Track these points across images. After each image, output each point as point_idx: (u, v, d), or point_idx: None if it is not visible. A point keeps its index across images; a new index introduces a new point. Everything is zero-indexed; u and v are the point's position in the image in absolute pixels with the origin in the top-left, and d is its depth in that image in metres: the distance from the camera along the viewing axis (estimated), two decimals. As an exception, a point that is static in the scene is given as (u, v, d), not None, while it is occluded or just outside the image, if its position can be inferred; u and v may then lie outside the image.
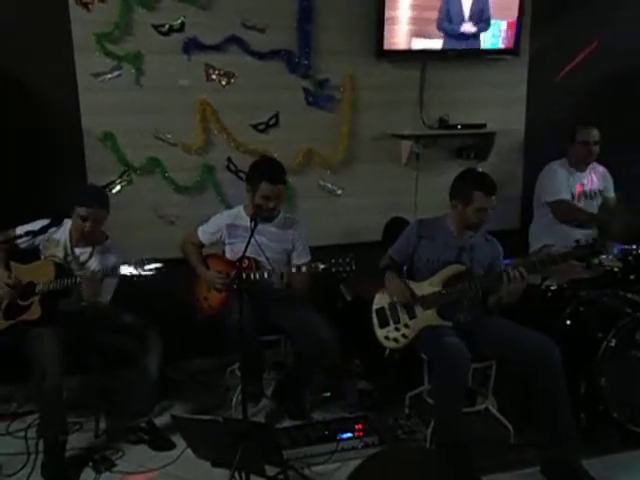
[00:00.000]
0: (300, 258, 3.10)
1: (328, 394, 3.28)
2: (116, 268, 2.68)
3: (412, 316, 2.80)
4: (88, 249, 2.88)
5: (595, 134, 3.50)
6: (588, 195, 3.61)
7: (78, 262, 2.87)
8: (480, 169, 3.73)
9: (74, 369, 2.92)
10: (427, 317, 2.77)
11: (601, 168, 3.66)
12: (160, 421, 2.99)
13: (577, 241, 2.75)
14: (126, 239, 3.09)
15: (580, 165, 3.58)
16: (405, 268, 2.96)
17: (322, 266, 2.76)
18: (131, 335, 2.87)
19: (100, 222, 2.81)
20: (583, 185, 3.59)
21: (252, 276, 2.90)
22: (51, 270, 2.76)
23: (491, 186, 2.75)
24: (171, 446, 2.86)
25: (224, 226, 3.12)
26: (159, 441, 2.90)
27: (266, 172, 2.98)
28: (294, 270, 2.88)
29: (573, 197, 3.56)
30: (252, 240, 2.65)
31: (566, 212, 3.50)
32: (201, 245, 3.20)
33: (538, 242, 3.59)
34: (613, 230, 3.32)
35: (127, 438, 2.91)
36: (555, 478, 2.57)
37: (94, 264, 2.86)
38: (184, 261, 3.22)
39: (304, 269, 2.85)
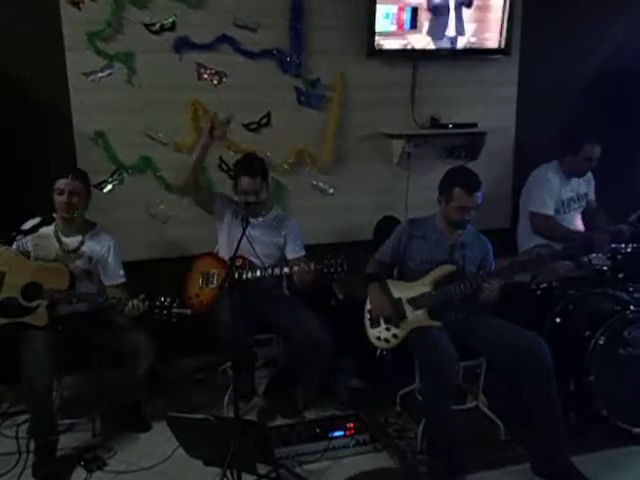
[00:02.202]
0: (294, 252, 3.11)
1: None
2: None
3: (403, 316, 2.81)
4: (78, 237, 2.87)
5: (598, 151, 3.49)
6: (577, 199, 3.63)
7: (69, 250, 2.85)
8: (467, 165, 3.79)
9: (69, 369, 2.93)
10: (417, 317, 2.78)
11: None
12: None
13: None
14: (118, 238, 3.07)
15: (573, 174, 3.58)
16: (396, 269, 2.98)
17: (315, 266, 2.76)
18: (124, 337, 2.87)
19: (76, 195, 2.79)
20: (574, 191, 3.61)
21: (245, 274, 2.90)
22: (65, 278, 2.75)
23: (473, 184, 2.74)
24: (146, 428, 2.96)
25: (232, 209, 3.10)
26: (136, 422, 2.97)
27: (242, 166, 3.04)
28: (287, 270, 2.88)
29: (563, 203, 3.57)
30: (246, 232, 2.67)
31: (546, 228, 3.51)
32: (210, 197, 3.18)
33: (527, 242, 3.60)
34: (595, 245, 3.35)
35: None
36: (545, 475, 2.60)
37: (87, 251, 2.86)
38: (177, 260, 3.22)
39: (296, 269, 2.84)
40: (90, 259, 2.87)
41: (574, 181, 3.61)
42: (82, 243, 2.87)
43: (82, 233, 2.88)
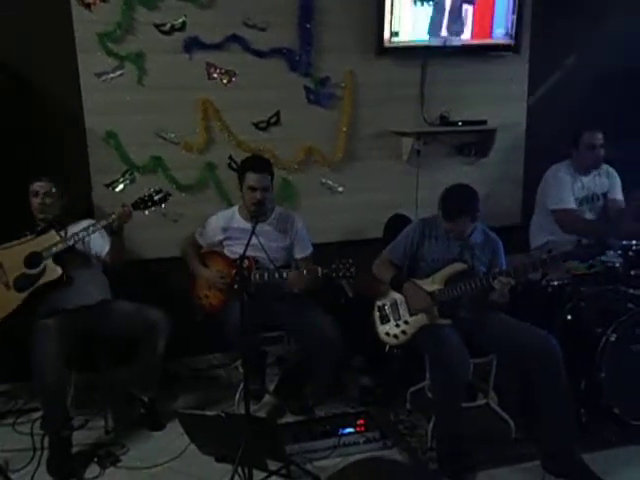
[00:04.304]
0: (302, 252, 3.12)
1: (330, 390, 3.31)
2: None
3: (412, 313, 2.82)
4: (61, 232, 2.94)
5: (600, 137, 3.44)
6: (590, 199, 3.55)
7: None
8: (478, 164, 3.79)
9: (80, 366, 2.96)
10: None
11: (605, 168, 3.58)
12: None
13: (579, 240, 2.74)
14: (129, 238, 3.11)
15: (585, 169, 3.52)
16: (406, 268, 2.98)
17: (322, 271, 2.76)
18: (139, 316, 2.94)
19: (49, 197, 2.92)
20: (587, 189, 3.54)
21: (253, 277, 2.91)
22: (54, 236, 2.83)
23: (451, 212, 2.74)
24: (160, 427, 3.00)
25: (219, 229, 3.13)
26: (151, 419, 3.00)
27: (250, 163, 3.05)
28: (293, 272, 2.90)
29: (576, 202, 3.52)
30: (253, 241, 2.67)
31: (570, 222, 3.46)
32: (199, 247, 3.22)
33: (539, 238, 3.58)
34: (617, 237, 3.29)
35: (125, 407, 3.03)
36: (556, 472, 2.59)
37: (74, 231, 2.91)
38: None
39: (304, 272, 2.84)
40: (72, 237, 2.87)
41: (588, 180, 3.54)
42: (66, 233, 2.93)
43: (63, 227, 2.96)
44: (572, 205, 3.47)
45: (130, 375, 3.00)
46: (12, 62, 3.17)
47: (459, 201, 2.76)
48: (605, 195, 3.59)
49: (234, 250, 3.06)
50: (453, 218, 2.74)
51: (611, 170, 3.60)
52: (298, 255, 3.12)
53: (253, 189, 2.96)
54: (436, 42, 3.63)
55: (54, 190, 2.93)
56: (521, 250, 3.53)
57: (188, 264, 3.18)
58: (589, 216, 3.56)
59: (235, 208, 3.17)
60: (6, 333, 2.81)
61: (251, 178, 2.96)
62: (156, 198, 2.81)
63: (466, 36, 3.68)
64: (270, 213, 3.10)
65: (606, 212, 3.60)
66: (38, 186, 2.92)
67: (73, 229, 2.94)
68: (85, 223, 2.97)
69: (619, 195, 3.60)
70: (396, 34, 3.56)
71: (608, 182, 3.58)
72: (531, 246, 3.66)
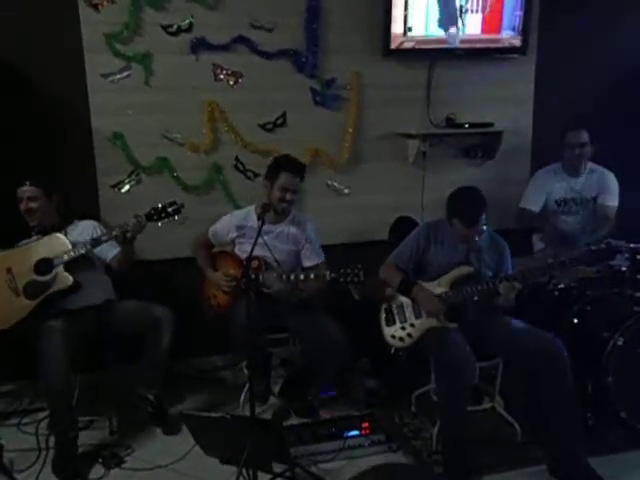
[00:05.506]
0: (311, 259, 3.10)
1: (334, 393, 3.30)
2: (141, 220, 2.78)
3: (418, 316, 2.81)
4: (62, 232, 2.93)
5: (582, 136, 3.40)
6: (579, 202, 3.52)
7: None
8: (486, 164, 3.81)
9: (86, 366, 2.96)
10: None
11: (600, 171, 3.53)
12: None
13: (588, 244, 2.73)
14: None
15: (572, 169, 3.51)
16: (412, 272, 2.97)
17: (330, 275, 2.75)
18: (143, 313, 2.94)
19: (33, 201, 2.88)
20: (574, 191, 3.51)
21: (261, 277, 2.91)
22: (64, 242, 2.83)
23: (473, 217, 2.72)
24: (174, 431, 2.95)
25: (233, 227, 3.13)
26: (160, 419, 2.99)
27: (288, 164, 3.02)
28: (302, 277, 2.89)
29: (559, 203, 3.52)
30: (262, 241, 2.65)
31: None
32: (211, 245, 3.22)
33: (540, 241, 3.59)
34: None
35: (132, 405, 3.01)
36: (562, 477, 2.58)
37: (74, 240, 2.89)
38: (194, 259, 3.25)
39: (312, 276, 2.85)
40: (84, 245, 2.85)
41: (578, 182, 3.51)
42: (66, 235, 2.91)
43: (63, 228, 2.94)
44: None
45: (136, 373, 2.99)
46: (18, 62, 3.18)
47: (478, 205, 2.75)
48: (595, 198, 3.53)
49: (245, 249, 3.05)
50: (475, 223, 2.72)
51: (607, 174, 3.54)
52: (308, 263, 3.09)
53: (285, 189, 2.96)
54: (447, 36, 3.63)
55: (39, 194, 2.89)
56: (525, 253, 3.52)
57: (198, 263, 3.18)
58: (570, 219, 3.53)
59: (251, 208, 3.15)
60: (11, 333, 2.82)
61: (286, 179, 2.96)
62: (170, 210, 2.81)
63: (476, 30, 3.68)
64: (286, 216, 3.09)
65: (595, 216, 3.53)
66: (21, 191, 2.89)
67: (75, 229, 2.94)
68: (87, 223, 2.98)
69: (610, 201, 3.51)
70: (410, 29, 3.57)
71: (598, 187, 3.52)
72: (534, 249, 3.66)
